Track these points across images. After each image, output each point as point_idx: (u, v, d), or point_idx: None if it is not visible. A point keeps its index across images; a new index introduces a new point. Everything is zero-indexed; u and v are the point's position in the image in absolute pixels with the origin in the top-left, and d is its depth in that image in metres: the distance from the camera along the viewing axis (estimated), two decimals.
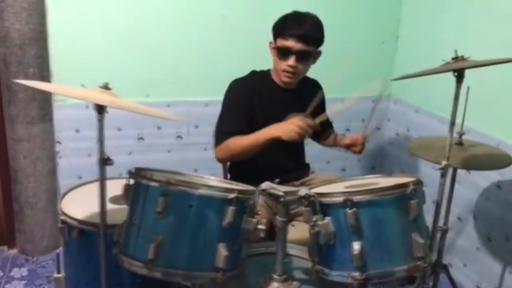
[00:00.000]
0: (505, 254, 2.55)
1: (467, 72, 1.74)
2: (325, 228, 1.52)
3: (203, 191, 1.48)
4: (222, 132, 2.23)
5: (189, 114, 3.09)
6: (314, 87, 2.45)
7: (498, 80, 2.47)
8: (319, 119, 2.11)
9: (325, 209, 1.54)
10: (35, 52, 2.68)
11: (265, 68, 2.39)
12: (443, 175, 1.80)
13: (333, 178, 2.18)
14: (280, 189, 1.57)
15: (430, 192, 1.87)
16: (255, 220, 1.55)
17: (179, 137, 3.16)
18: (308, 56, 2.20)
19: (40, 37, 2.69)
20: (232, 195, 1.48)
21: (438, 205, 1.86)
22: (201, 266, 1.49)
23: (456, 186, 2.38)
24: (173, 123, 3.10)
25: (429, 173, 1.84)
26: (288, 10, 2.24)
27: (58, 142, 2.95)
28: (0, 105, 2.80)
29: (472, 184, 2.70)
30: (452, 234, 2.83)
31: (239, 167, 2.44)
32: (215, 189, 1.51)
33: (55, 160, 2.96)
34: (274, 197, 1.59)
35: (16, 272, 2.84)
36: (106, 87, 1.54)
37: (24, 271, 2.85)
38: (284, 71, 2.22)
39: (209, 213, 1.49)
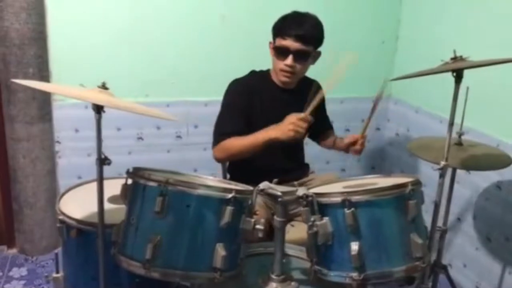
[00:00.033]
0: (504, 254, 2.54)
1: (467, 72, 1.74)
2: (323, 228, 1.52)
3: (201, 191, 1.48)
4: (221, 132, 2.24)
5: (189, 114, 3.09)
6: (313, 87, 2.45)
7: (497, 80, 2.47)
8: (310, 109, 2.06)
9: (323, 209, 1.54)
10: (35, 52, 2.68)
11: (264, 68, 2.39)
12: (441, 176, 1.80)
13: (333, 178, 2.18)
14: (278, 189, 1.57)
15: (430, 192, 1.87)
16: (253, 220, 1.54)
17: (179, 137, 3.16)
18: (306, 56, 2.20)
19: (39, 37, 2.69)
20: (230, 195, 1.48)
21: (437, 205, 1.86)
22: (199, 266, 1.49)
23: (456, 186, 2.38)
24: (173, 123, 3.10)
25: (429, 173, 1.84)
26: (288, 10, 2.24)
27: (58, 141, 2.95)
28: (0, 104, 2.80)
29: (471, 185, 2.70)
30: (452, 234, 2.83)
31: (239, 167, 2.44)
32: (213, 189, 1.51)
33: (55, 159, 2.96)
34: (272, 197, 1.59)
35: (15, 272, 2.84)
36: (104, 86, 1.53)
37: (23, 271, 2.85)
38: (282, 70, 2.22)
39: (207, 213, 1.49)
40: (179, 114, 3.06)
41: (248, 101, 2.27)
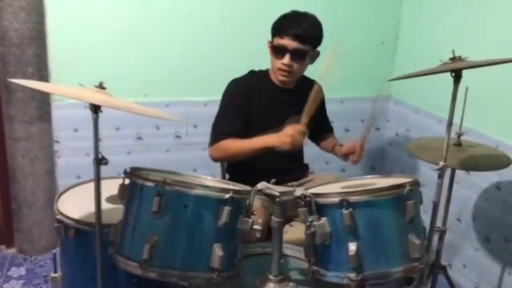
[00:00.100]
0: (504, 255, 2.54)
1: (467, 73, 1.74)
2: (321, 229, 1.52)
3: (198, 191, 1.48)
4: (219, 131, 2.24)
5: (188, 114, 3.09)
6: (312, 87, 2.44)
7: (497, 80, 2.46)
8: (307, 118, 2.05)
9: (321, 209, 1.53)
10: (34, 52, 2.68)
11: (264, 68, 2.39)
12: (440, 176, 1.79)
13: (332, 178, 2.18)
14: (276, 189, 1.57)
15: (430, 192, 1.87)
16: (251, 220, 1.54)
17: (178, 137, 3.15)
18: (304, 55, 2.19)
19: (38, 36, 2.69)
20: (227, 195, 1.48)
21: (435, 205, 1.85)
22: (196, 267, 1.49)
23: (456, 186, 2.37)
24: (172, 123, 3.09)
25: (428, 173, 1.83)
26: (288, 10, 2.24)
27: (57, 141, 2.95)
28: None
29: (471, 185, 2.70)
30: (451, 235, 2.82)
31: (238, 168, 2.43)
32: (210, 189, 1.50)
33: (54, 159, 2.96)
34: (270, 197, 1.58)
35: (14, 272, 2.83)
36: (101, 86, 1.53)
37: (22, 271, 2.85)
38: (280, 69, 2.21)
39: (205, 213, 1.49)
40: (178, 114, 3.06)
41: (247, 100, 2.27)
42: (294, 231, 2.11)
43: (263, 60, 2.32)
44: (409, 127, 3.32)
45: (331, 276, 1.55)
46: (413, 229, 1.55)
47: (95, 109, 1.48)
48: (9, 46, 2.62)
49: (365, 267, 1.50)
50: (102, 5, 2.83)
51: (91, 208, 1.64)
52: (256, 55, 2.38)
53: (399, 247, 1.53)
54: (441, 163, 1.79)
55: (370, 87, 3.45)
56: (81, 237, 1.85)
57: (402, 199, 1.53)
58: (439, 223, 2.24)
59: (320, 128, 2.51)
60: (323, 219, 1.53)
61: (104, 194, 1.90)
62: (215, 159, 2.30)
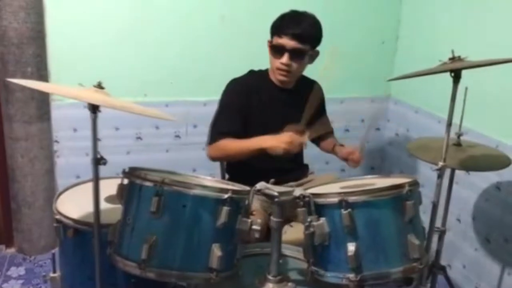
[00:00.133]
0: (504, 255, 2.53)
1: (466, 73, 1.73)
2: (320, 229, 1.52)
3: (197, 191, 1.47)
4: (217, 131, 2.24)
5: (188, 114, 3.08)
6: (313, 87, 2.44)
7: (497, 81, 2.46)
8: (311, 136, 2.08)
9: (320, 209, 1.53)
10: (33, 51, 2.68)
11: (264, 68, 2.38)
12: (439, 176, 1.79)
13: (332, 178, 2.17)
14: (274, 189, 1.57)
15: (429, 193, 1.86)
16: (249, 220, 1.54)
17: (178, 136, 3.15)
18: (302, 55, 2.18)
19: (38, 36, 2.69)
20: (226, 195, 1.48)
21: (435, 206, 1.85)
22: (194, 267, 1.48)
23: (455, 187, 2.37)
24: (172, 123, 3.09)
25: (428, 174, 1.83)
26: (288, 10, 2.23)
27: (56, 141, 2.95)
28: None
29: (471, 185, 2.69)
30: (451, 235, 2.82)
31: (238, 168, 2.43)
32: (209, 189, 1.50)
33: (53, 159, 2.95)
34: (268, 197, 1.58)
35: (13, 271, 2.83)
36: (99, 86, 1.53)
37: (21, 270, 2.85)
38: (278, 69, 2.21)
39: (203, 213, 1.48)
40: (178, 114, 3.06)
41: (247, 100, 2.26)
42: (294, 231, 2.11)
43: (263, 60, 2.32)
44: (409, 127, 3.32)
45: (330, 277, 1.55)
46: (412, 229, 1.55)
47: (94, 109, 1.48)
48: (9, 46, 2.62)
49: (364, 267, 1.50)
50: (101, 4, 2.83)
51: (90, 208, 1.64)
52: (256, 55, 2.38)
53: (398, 248, 1.53)
54: (440, 163, 1.79)
55: (370, 87, 3.47)
56: (80, 237, 1.85)
57: (401, 199, 1.52)
58: (438, 223, 2.24)
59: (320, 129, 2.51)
60: (322, 219, 1.52)
61: (103, 194, 1.90)
62: (212, 158, 2.30)
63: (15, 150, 2.80)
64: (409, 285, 2.05)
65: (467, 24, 2.73)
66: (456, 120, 1.82)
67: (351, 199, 1.49)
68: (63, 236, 1.89)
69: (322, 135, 2.53)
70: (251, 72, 2.38)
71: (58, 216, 1.88)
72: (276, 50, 2.19)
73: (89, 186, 1.84)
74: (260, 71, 2.37)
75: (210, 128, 2.30)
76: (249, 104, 2.26)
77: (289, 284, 1.65)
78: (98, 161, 1.53)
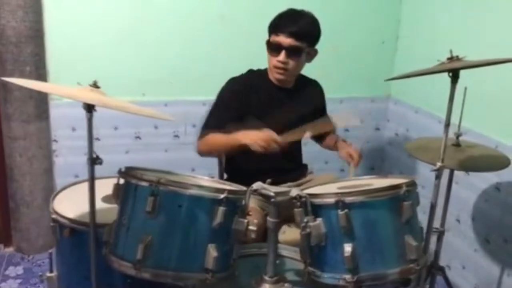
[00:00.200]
0: (503, 256, 2.52)
1: (466, 73, 1.72)
2: (316, 229, 1.51)
3: (193, 191, 1.47)
4: (208, 126, 2.23)
5: (187, 113, 3.08)
6: (312, 86, 2.44)
7: (497, 80, 2.45)
8: (292, 138, 2.05)
9: (316, 210, 1.52)
10: (32, 50, 2.67)
11: (263, 68, 2.38)
12: (437, 177, 1.78)
13: (331, 179, 2.16)
14: (271, 190, 1.56)
15: (429, 193, 1.85)
16: (246, 220, 1.53)
17: (176, 136, 3.14)
18: (299, 52, 2.17)
19: (36, 35, 2.68)
20: (222, 196, 1.47)
21: (433, 206, 1.84)
22: (190, 267, 1.47)
23: (455, 187, 2.36)
24: (171, 122, 3.09)
25: (428, 174, 1.82)
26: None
27: (55, 140, 2.95)
28: None
29: (470, 186, 2.68)
30: (451, 235, 2.81)
31: (236, 168, 2.43)
32: (205, 189, 1.49)
33: (52, 158, 2.95)
34: (265, 197, 1.57)
35: (11, 271, 2.83)
36: (95, 85, 1.52)
37: (19, 270, 2.85)
38: (275, 67, 2.20)
39: (199, 214, 1.47)
40: (177, 113, 3.05)
41: (246, 100, 2.25)
42: (292, 232, 2.09)
43: (262, 60, 2.31)
44: (409, 127, 3.31)
45: (327, 278, 1.54)
46: (409, 230, 1.54)
47: (89, 108, 1.47)
48: (7, 45, 2.62)
49: (361, 268, 1.49)
50: (101, 4, 2.83)
51: (87, 207, 1.63)
52: (255, 54, 2.37)
53: (395, 248, 1.52)
54: (439, 164, 1.78)
55: (370, 87, 3.46)
56: (76, 237, 1.84)
57: (398, 200, 1.51)
58: (437, 224, 2.23)
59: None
60: (319, 220, 1.51)
61: (101, 194, 1.90)
62: (200, 153, 2.27)
63: (14, 149, 2.80)
64: (407, 286, 2.03)
65: (467, 24, 2.72)
66: (455, 120, 1.81)
67: (348, 199, 1.48)
68: (60, 235, 1.88)
69: (324, 135, 2.53)
70: (250, 71, 2.37)
71: (54, 216, 1.87)
72: (273, 48, 2.18)
73: (86, 185, 1.83)
74: (259, 71, 2.37)
75: (203, 123, 2.29)
76: (248, 103, 2.25)
77: (286, 285, 1.64)
78: (94, 160, 1.53)
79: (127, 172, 1.55)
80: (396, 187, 1.52)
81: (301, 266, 1.67)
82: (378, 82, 2.86)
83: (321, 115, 2.47)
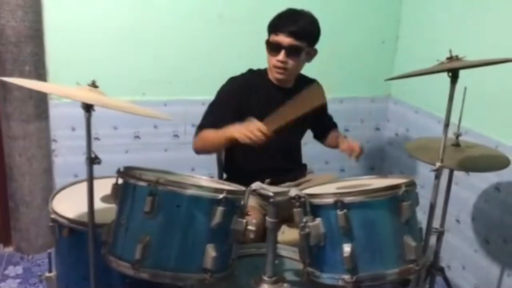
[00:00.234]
0: (503, 256, 2.52)
1: (465, 73, 1.72)
2: (315, 230, 1.50)
3: (192, 191, 1.46)
4: (204, 123, 2.23)
5: (186, 113, 3.07)
6: (312, 86, 2.43)
7: (496, 80, 2.45)
8: (278, 124, 1.97)
9: (315, 210, 1.52)
10: (31, 50, 2.67)
11: (263, 68, 2.37)
12: (437, 177, 1.78)
13: (331, 178, 2.16)
14: (270, 190, 1.55)
15: (429, 193, 1.85)
16: (245, 220, 1.52)
17: (176, 136, 3.14)
18: (299, 52, 2.17)
19: (36, 34, 2.68)
20: (221, 196, 1.46)
21: (432, 207, 1.84)
22: (189, 267, 1.47)
23: (455, 187, 2.36)
24: (170, 122, 3.08)
25: (427, 174, 1.82)
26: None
27: (54, 140, 2.95)
28: None
29: (470, 186, 2.68)
30: (450, 236, 2.80)
31: (235, 167, 2.43)
32: (204, 189, 1.49)
33: (51, 158, 2.95)
34: (264, 197, 1.57)
35: (11, 271, 2.83)
36: (93, 85, 1.52)
37: (19, 269, 2.84)
38: (275, 66, 2.20)
39: (198, 214, 1.47)
40: (176, 113, 3.05)
41: (245, 99, 2.25)
42: (291, 232, 2.09)
43: (262, 60, 2.31)
44: (409, 127, 3.30)
45: (326, 278, 1.54)
46: (408, 230, 1.54)
47: (87, 108, 1.47)
48: (6, 44, 2.61)
49: (360, 268, 1.49)
50: (100, 4, 2.83)
51: (86, 207, 1.63)
52: (255, 54, 2.37)
53: (394, 249, 1.52)
54: (438, 164, 1.77)
55: (370, 87, 3.46)
56: (75, 237, 1.84)
57: (398, 200, 1.51)
58: (437, 224, 2.22)
59: (322, 129, 2.52)
60: (318, 220, 1.51)
61: (100, 194, 1.90)
62: (196, 150, 2.28)
63: (13, 149, 2.80)
64: (406, 287, 2.03)
65: (466, 24, 2.72)
66: (455, 120, 1.80)
67: (347, 199, 1.48)
68: (59, 235, 1.88)
69: (325, 134, 2.52)
70: (250, 71, 2.37)
71: (53, 216, 1.87)
72: (273, 48, 2.18)
73: (85, 185, 1.83)
74: (259, 70, 2.36)
75: (200, 121, 2.28)
76: (248, 103, 2.25)
77: (285, 285, 1.64)
78: (93, 160, 1.52)
79: (126, 172, 1.55)
80: (395, 187, 1.52)
81: (300, 266, 1.67)
82: (378, 82, 2.86)
83: (321, 117, 2.47)
